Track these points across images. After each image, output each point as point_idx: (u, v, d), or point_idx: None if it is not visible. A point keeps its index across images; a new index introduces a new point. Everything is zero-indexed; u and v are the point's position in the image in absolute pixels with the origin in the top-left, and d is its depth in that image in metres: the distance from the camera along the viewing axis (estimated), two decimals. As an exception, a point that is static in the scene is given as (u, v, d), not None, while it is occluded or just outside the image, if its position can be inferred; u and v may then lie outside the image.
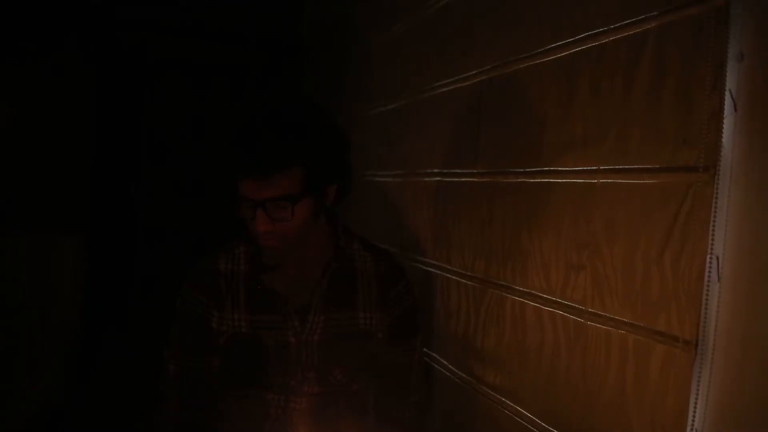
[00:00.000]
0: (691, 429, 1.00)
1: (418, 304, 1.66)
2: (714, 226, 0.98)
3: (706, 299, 0.99)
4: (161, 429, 1.55)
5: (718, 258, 0.98)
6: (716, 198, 0.98)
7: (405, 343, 1.61)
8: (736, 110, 0.97)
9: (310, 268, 1.53)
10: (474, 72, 1.70)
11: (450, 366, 1.79)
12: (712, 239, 0.98)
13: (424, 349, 1.78)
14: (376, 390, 1.61)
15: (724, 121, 0.97)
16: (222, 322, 1.50)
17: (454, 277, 1.77)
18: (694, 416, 1.00)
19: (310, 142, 1.38)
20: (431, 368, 1.84)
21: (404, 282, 1.62)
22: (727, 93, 0.97)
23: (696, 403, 1.00)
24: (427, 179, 1.96)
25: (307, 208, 1.40)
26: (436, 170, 1.90)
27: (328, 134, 1.43)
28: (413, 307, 1.64)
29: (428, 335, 1.87)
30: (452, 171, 1.81)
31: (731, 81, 0.97)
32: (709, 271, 0.99)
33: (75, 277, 3.29)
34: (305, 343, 1.50)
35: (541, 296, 1.39)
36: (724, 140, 0.98)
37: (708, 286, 0.99)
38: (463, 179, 1.75)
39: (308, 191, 1.38)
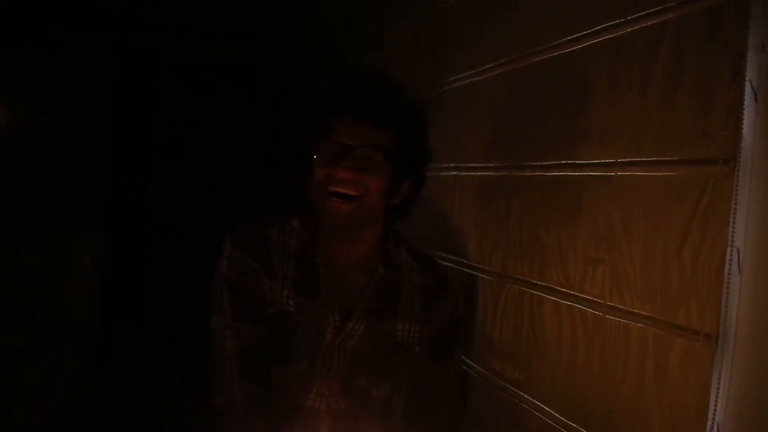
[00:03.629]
0: (712, 423, 0.99)
1: (463, 320, 1.60)
2: (734, 218, 0.97)
3: (727, 292, 0.98)
4: (225, 412, 1.42)
5: (739, 250, 0.97)
6: (737, 190, 0.97)
7: (443, 358, 1.55)
8: (756, 101, 0.96)
9: (359, 266, 1.47)
10: (490, 66, 1.69)
11: (467, 360, 1.78)
12: (733, 232, 0.97)
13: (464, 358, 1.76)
14: (405, 403, 1.54)
15: (744, 112, 0.96)
16: (272, 293, 1.42)
17: (470, 272, 1.77)
18: (714, 411, 0.99)
19: (410, 115, 1.39)
20: (467, 384, 1.79)
21: (450, 295, 1.55)
22: (747, 84, 0.96)
23: (717, 398, 0.99)
24: (443, 173, 1.95)
25: (385, 181, 1.35)
26: (452, 164, 1.90)
27: (422, 123, 1.44)
28: (457, 322, 1.56)
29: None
30: (469, 165, 1.81)
31: (752, 72, 0.95)
32: (730, 264, 0.98)
33: (92, 275, 3.32)
34: (339, 345, 1.45)
35: (559, 290, 1.38)
36: (744, 132, 0.96)
37: (729, 279, 0.98)
38: (479, 173, 1.74)
39: (392, 162, 1.35)
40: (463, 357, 1.80)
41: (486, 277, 1.69)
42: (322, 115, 1.37)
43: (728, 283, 0.98)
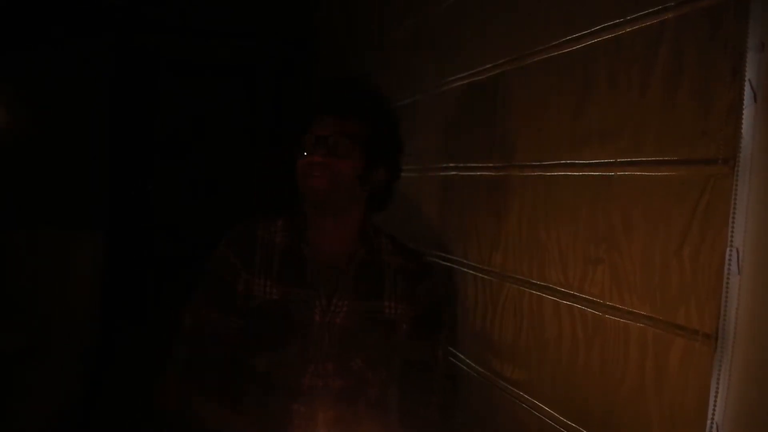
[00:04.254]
0: (711, 423, 0.99)
1: (445, 302, 1.67)
2: (734, 218, 0.97)
3: (726, 292, 0.98)
4: (168, 392, 1.54)
5: (738, 250, 0.97)
6: (736, 190, 0.97)
7: (429, 340, 1.61)
8: (756, 101, 0.96)
9: (341, 250, 1.57)
10: (489, 66, 1.69)
11: (467, 360, 1.78)
12: (732, 231, 0.97)
13: (450, 348, 1.77)
14: (399, 390, 1.62)
15: (744, 112, 0.96)
16: (250, 287, 1.53)
17: (470, 272, 1.77)
18: (714, 410, 0.99)
19: (380, 110, 1.58)
20: (457, 372, 1.82)
21: (432, 279, 1.64)
22: (746, 84, 0.96)
23: (716, 397, 0.99)
24: (443, 173, 1.95)
25: (356, 164, 1.51)
26: (452, 164, 1.90)
27: (391, 116, 1.61)
28: (439, 305, 1.65)
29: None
30: (468, 165, 1.81)
31: (751, 71, 0.95)
32: (729, 264, 0.98)
33: (92, 275, 3.31)
34: (328, 325, 1.52)
35: (558, 290, 1.38)
36: (743, 132, 0.96)
37: (728, 278, 0.98)
38: (479, 173, 1.74)
39: (363, 148, 1.51)
40: (457, 353, 1.80)
41: (486, 276, 1.69)
42: (304, 114, 1.55)
43: (728, 282, 0.98)
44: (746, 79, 0.95)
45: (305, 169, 1.50)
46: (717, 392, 0.99)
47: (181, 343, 1.54)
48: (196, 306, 1.55)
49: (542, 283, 1.45)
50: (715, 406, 0.99)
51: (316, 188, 1.49)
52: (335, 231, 1.56)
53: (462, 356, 1.81)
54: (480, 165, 1.74)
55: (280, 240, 1.57)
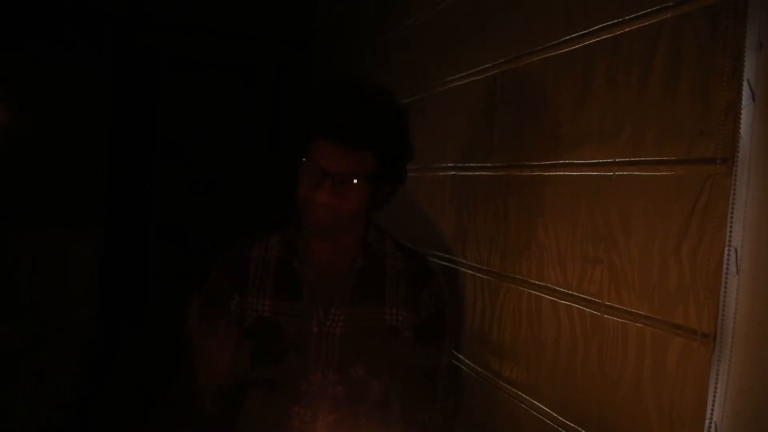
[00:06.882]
0: (710, 422, 0.99)
1: (449, 308, 1.63)
2: (732, 217, 0.97)
3: (725, 292, 0.98)
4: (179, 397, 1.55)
5: (736, 250, 0.97)
6: (734, 189, 0.97)
7: (432, 345, 1.57)
8: (754, 100, 0.96)
9: (340, 261, 1.53)
10: (488, 65, 1.69)
11: (466, 360, 1.78)
12: (731, 231, 0.97)
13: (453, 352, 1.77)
14: (401, 395, 1.58)
15: (742, 111, 0.96)
16: (244, 307, 1.51)
17: (469, 271, 1.77)
18: (712, 410, 0.99)
19: (395, 135, 1.44)
20: (459, 373, 1.81)
21: (435, 284, 1.59)
22: (745, 83, 0.96)
23: (714, 397, 0.99)
24: (442, 173, 1.95)
25: (364, 196, 1.42)
26: (450, 164, 1.90)
27: (406, 136, 1.49)
28: (443, 309, 1.60)
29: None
30: (467, 165, 1.81)
31: (749, 71, 0.96)
32: (728, 264, 0.98)
33: (92, 274, 3.31)
34: (327, 335, 1.49)
35: (557, 290, 1.38)
36: (742, 131, 0.97)
37: (726, 278, 0.98)
38: (478, 173, 1.74)
39: (373, 181, 1.41)
40: (456, 353, 1.80)
41: (484, 276, 1.69)
42: (304, 134, 1.42)
43: (726, 282, 0.98)
44: (744, 78, 0.96)
45: (310, 202, 1.40)
46: (715, 392, 0.99)
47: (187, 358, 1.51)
48: (191, 331, 1.48)
49: (541, 283, 1.45)
50: (713, 405, 0.99)
51: (321, 226, 1.43)
52: (336, 243, 1.53)
53: (460, 356, 1.81)
54: (479, 165, 1.74)
55: (274, 256, 1.54)
